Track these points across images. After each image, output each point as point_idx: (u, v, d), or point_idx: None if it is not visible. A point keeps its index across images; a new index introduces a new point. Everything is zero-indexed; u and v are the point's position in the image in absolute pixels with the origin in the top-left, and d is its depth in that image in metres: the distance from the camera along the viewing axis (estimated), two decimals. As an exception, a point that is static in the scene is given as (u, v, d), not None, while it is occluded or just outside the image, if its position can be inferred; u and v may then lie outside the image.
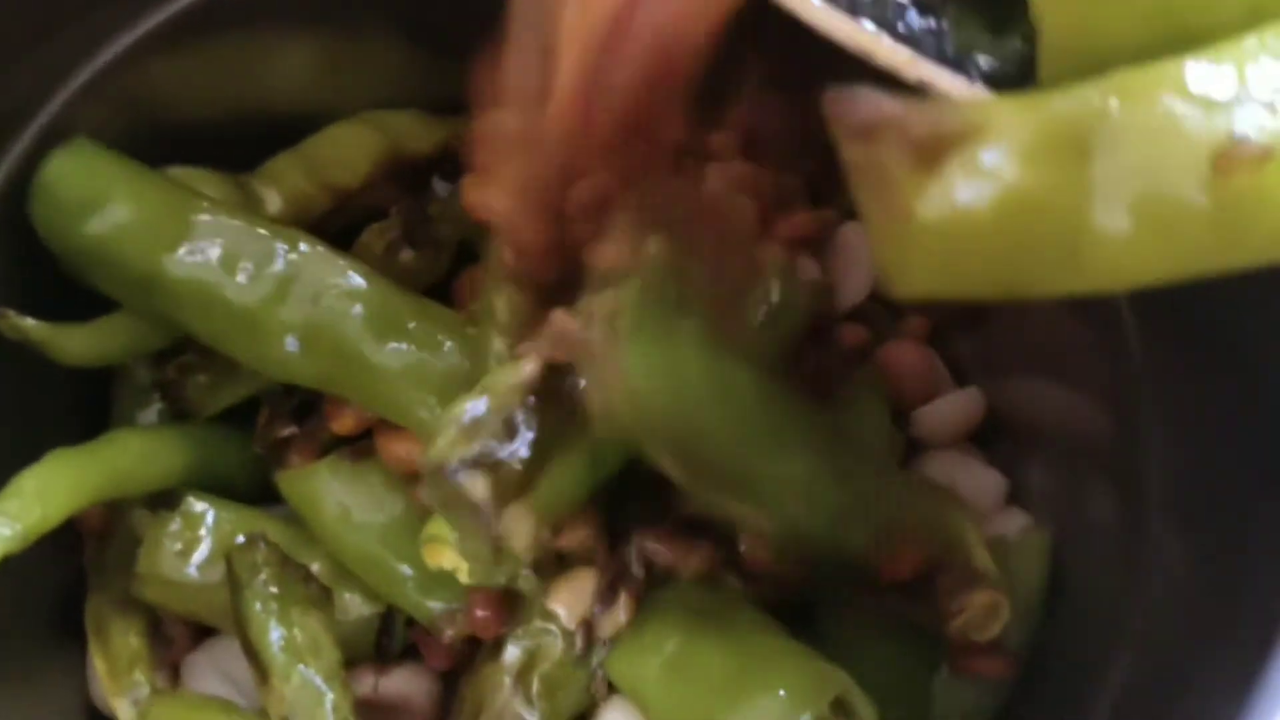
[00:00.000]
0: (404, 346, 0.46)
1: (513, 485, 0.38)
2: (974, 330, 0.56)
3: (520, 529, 0.38)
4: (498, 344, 0.46)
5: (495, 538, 0.38)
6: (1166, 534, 0.45)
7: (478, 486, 0.37)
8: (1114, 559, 0.46)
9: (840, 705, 0.39)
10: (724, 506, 0.42)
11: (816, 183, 0.58)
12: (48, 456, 0.44)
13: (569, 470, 0.40)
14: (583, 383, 0.39)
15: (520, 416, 0.39)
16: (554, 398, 0.40)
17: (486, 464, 0.38)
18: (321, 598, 0.46)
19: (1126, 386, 0.47)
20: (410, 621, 0.49)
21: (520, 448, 0.39)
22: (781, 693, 0.39)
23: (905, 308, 0.57)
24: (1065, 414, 0.52)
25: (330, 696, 0.43)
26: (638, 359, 0.38)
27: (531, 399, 0.39)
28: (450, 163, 0.54)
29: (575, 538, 0.43)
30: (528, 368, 0.40)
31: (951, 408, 0.54)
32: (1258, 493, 0.40)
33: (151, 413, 0.51)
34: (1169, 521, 0.45)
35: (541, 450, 0.39)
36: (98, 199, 0.45)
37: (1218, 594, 0.41)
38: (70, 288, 0.47)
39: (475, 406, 0.39)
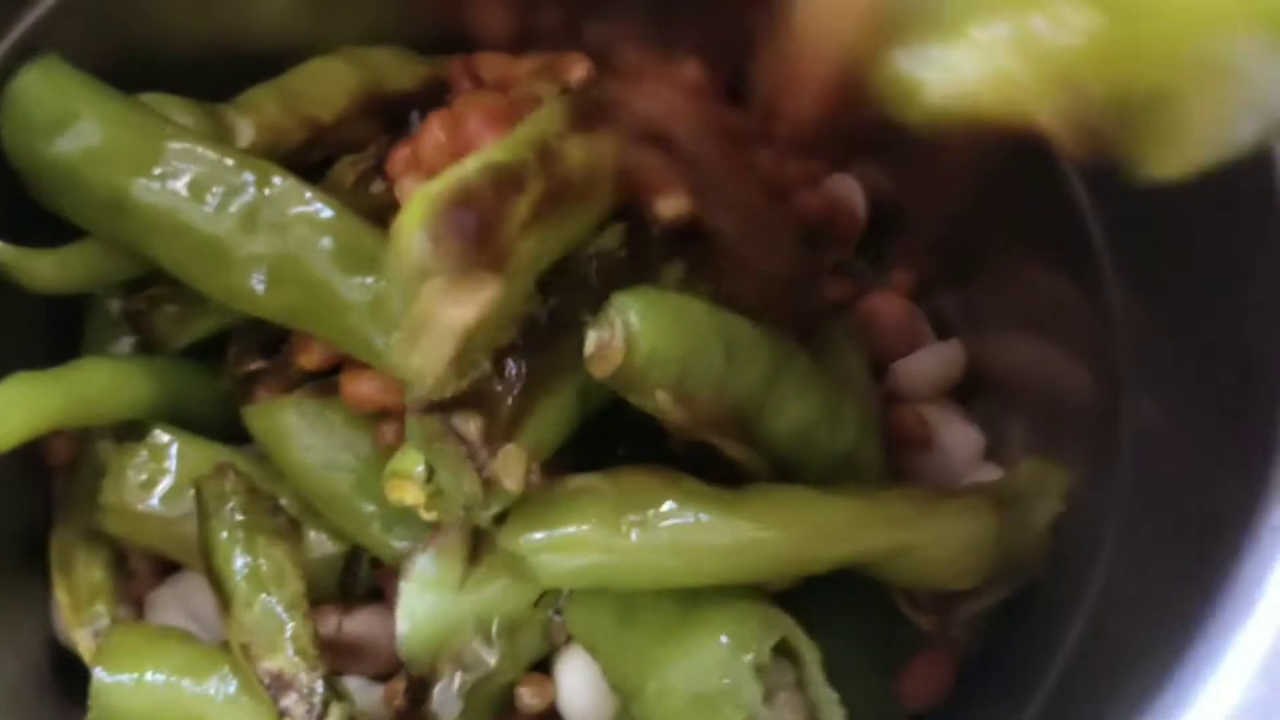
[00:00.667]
0: (372, 281, 0.46)
1: (503, 424, 0.38)
2: (957, 286, 0.55)
3: (514, 469, 0.37)
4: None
5: (487, 478, 0.37)
6: (1135, 497, 0.44)
7: (470, 426, 0.37)
8: (1083, 514, 0.46)
9: (784, 650, 0.38)
10: (721, 447, 0.42)
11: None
12: (9, 378, 0.43)
13: (557, 408, 0.40)
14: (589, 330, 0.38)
15: (510, 355, 0.38)
16: (545, 335, 0.39)
17: (476, 403, 0.37)
18: (289, 530, 0.46)
19: (1107, 346, 0.46)
20: (375, 562, 0.49)
21: (510, 386, 0.38)
22: (724, 638, 0.38)
23: (890, 261, 0.57)
24: (1046, 372, 0.51)
25: (291, 625, 0.43)
26: (638, 304, 0.38)
27: (521, 339, 0.39)
28: (430, 100, 0.54)
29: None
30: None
31: (932, 360, 0.53)
32: (1228, 457, 0.39)
33: (123, 345, 0.50)
34: (1140, 484, 0.44)
35: (532, 388, 0.38)
36: (66, 118, 0.44)
37: (1172, 553, 0.40)
38: (40, 214, 0.47)
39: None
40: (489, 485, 0.37)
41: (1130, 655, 0.39)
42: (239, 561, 0.44)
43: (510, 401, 0.38)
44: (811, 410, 0.43)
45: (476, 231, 0.36)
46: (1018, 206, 0.50)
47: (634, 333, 0.38)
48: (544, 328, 0.39)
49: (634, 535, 0.38)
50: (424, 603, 0.39)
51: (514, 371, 0.38)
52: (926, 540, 0.41)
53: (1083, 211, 0.46)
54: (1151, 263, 0.44)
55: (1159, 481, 0.42)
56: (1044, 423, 0.50)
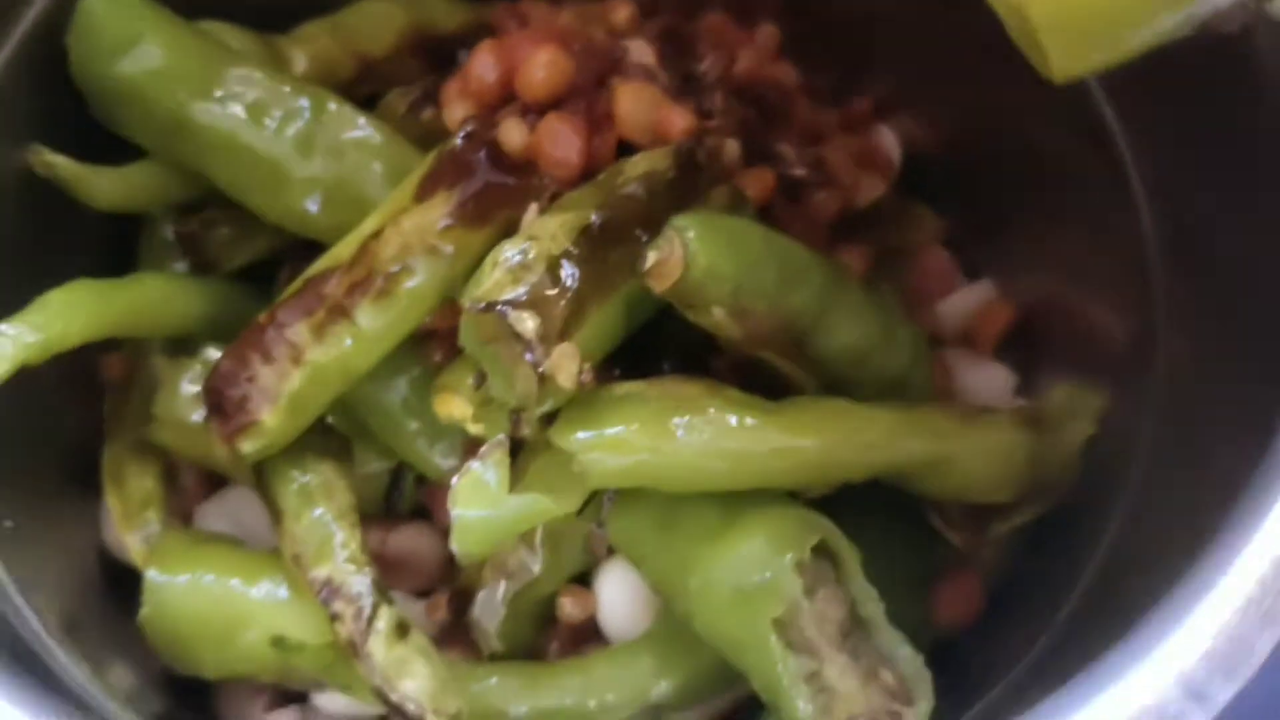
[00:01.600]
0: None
1: (558, 325, 0.39)
2: (990, 228, 0.56)
3: (567, 365, 0.38)
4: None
5: (542, 374, 0.38)
6: (1164, 421, 0.45)
7: (527, 323, 0.38)
8: (1112, 439, 0.47)
9: (823, 552, 0.39)
10: (773, 364, 0.43)
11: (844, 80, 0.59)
12: (72, 282, 0.45)
13: (608, 315, 0.41)
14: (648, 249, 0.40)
15: (566, 262, 0.40)
16: (597, 246, 0.41)
17: (531, 304, 0.39)
18: (338, 447, 0.47)
19: (1142, 294, 0.47)
20: (420, 480, 0.50)
21: (565, 291, 0.39)
22: (763, 538, 0.39)
23: (921, 206, 0.58)
24: (1078, 312, 0.53)
25: (340, 535, 0.44)
26: (695, 224, 0.40)
27: (575, 247, 0.40)
28: (475, 42, 0.55)
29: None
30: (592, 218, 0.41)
31: (970, 298, 0.55)
32: (1255, 411, 0.40)
33: (176, 268, 0.52)
34: (1170, 406, 0.45)
35: (584, 294, 0.40)
36: (131, 40, 0.46)
37: (1198, 466, 0.42)
38: (102, 135, 0.48)
39: (520, 250, 0.40)
40: (544, 382, 0.38)
41: (1155, 563, 0.40)
42: (288, 476, 0.46)
43: (564, 305, 0.39)
44: (865, 332, 0.44)
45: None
46: (1051, 147, 0.51)
47: (692, 250, 0.39)
48: (596, 238, 0.41)
49: (680, 435, 0.39)
50: (477, 501, 0.40)
51: (569, 276, 0.39)
52: (962, 451, 0.42)
53: (1118, 150, 0.47)
54: (1186, 200, 0.45)
55: (1188, 403, 0.43)
56: (1075, 359, 0.51)
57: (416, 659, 0.42)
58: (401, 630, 0.43)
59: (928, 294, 0.56)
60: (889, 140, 0.59)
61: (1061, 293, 0.54)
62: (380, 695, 0.42)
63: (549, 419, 0.41)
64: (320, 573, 0.44)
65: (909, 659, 0.38)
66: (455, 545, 0.40)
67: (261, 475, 0.46)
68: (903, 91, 0.59)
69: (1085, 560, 0.45)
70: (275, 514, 0.46)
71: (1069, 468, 0.46)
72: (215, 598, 0.44)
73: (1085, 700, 0.31)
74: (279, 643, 0.43)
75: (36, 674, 0.41)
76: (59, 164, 0.47)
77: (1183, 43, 0.42)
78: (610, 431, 0.39)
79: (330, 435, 0.47)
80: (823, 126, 0.57)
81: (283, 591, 0.44)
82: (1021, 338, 0.55)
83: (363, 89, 0.53)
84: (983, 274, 0.57)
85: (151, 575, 0.45)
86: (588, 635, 0.47)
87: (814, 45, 0.58)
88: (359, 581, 0.43)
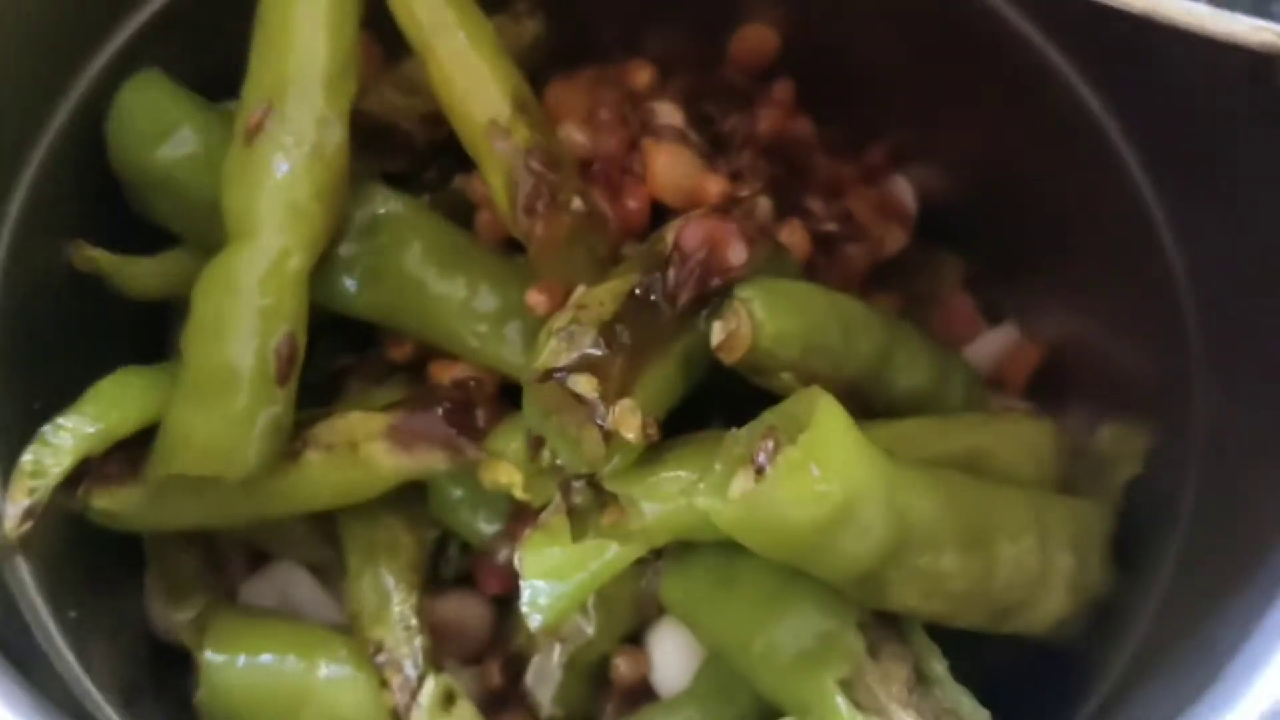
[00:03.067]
0: (460, 279, 0.47)
1: (616, 384, 0.40)
2: (1012, 277, 0.57)
3: (630, 420, 0.39)
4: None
5: (607, 431, 0.39)
6: (1203, 487, 0.45)
7: (584, 384, 0.39)
8: (1147, 507, 0.47)
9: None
10: None
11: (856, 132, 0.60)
12: (122, 370, 0.45)
13: (665, 372, 0.42)
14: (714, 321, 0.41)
15: (617, 326, 0.41)
16: (646, 307, 0.42)
17: (587, 367, 0.40)
18: (412, 496, 0.48)
19: (1173, 335, 0.47)
20: (464, 548, 0.50)
21: (619, 351, 0.40)
22: (824, 598, 0.40)
23: (942, 253, 0.59)
24: (1109, 360, 0.53)
25: (397, 596, 0.46)
26: (760, 294, 0.41)
27: (624, 311, 0.41)
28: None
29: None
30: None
31: (996, 342, 0.56)
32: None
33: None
34: (1207, 470, 0.45)
35: (638, 353, 0.41)
36: (169, 127, 0.47)
37: (1235, 551, 0.42)
38: (134, 226, 0.49)
39: (572, 319, 0.41)
40: (609, 439, 0.39)
41: (1211, 612, 0.40)
42: (357, 530, 0.47)
43: (619, 364, 0.40)
44: (925, 374, 0.46)
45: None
46: (1068, 187, 0.52)
47: (759, 320, 0.41)
48: (644, 300, 0.41)
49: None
50: (544, 568, 0.40)
51: (622, 338, 0.40)
52: (993, 444, 0.44)
53: (1137, 187, 0.48)
54: (1211, 237, 0.46)
55: (1230, 446, 0.44)
56: (1108, 403, 0.51)
57: (459, 736, 0.42)
58: (448, 700, 0.44)
59: (953, 339, 0.56)
60: (904, 189, 0.60)
61: (1088, 334, 0.54)
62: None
63: (599, 490, 0.41)
64: (375, 634, 0.45)
65: (973, 710, 0.38)
66: (530, 616, 0.40)
67: (335, 523, 0.47)
68: (915, 140, 0.59)
69: (1137, 610, 0.45)
70: (343, 566, 0.47)
71: (1115, 506, 0.47)
72: (273, 677, 0.45)
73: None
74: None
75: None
76: (99, 257, 0.47)
77: (1200, 82, 0.43)
78: (670, 475, 0.40)
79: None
80: (841, 179, 0.58)
81: (340, 669, 0.45)
82: (1051, 381, 0.55)
83: (393, 161, 0.54)
84: (1005, 317, 0.58)
85: (208, 656, 0.45)
86: (642, 696, 0.47)
87: (824, 97, 0.59)
88: (409, 648, 0.44)
